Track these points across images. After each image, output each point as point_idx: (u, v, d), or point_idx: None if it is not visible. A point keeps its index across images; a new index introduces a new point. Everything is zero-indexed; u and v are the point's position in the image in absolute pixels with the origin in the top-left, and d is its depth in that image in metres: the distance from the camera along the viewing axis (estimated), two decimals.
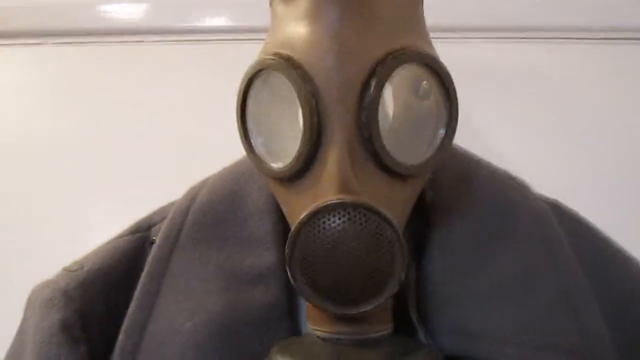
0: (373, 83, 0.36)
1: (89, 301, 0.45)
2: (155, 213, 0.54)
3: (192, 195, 0.52)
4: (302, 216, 0.34)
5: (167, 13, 0.79)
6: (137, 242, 0.50)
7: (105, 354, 0.44)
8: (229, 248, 0.48)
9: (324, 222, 0.34)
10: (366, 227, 0.34)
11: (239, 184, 0.52)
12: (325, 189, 0.36)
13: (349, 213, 0.34)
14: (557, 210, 0.52)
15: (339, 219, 0.34)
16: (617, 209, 0.63)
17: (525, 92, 0.64)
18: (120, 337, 0.43)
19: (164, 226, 0.49)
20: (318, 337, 0.38)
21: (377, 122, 0.36)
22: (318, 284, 0.34)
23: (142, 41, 0.80)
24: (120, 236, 0.51)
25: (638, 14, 0.61)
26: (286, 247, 0.34)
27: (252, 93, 0.40)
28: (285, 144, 0.40)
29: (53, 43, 0.80)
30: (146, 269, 0.47)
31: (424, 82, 0.42)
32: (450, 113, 0.40)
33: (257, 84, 0.40)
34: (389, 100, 0.46)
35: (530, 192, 0.52)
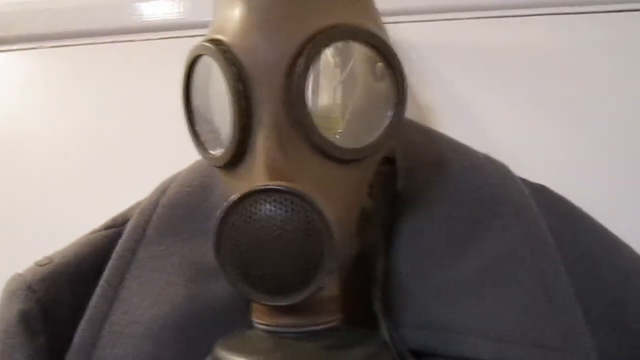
0: (301, 61, 0.34)
1: (53, 294, 0.45)
2: (131, 208, 0.54)
3: (163, 188, 0.52)
4: (227, 204, 0.33)
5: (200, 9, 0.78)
6: (111, 237, 0.50)
7: (69, 347, 0.44)
8: (195, 240, 0.47)
9: (248, 210, 0.32)
10: (293, 215, 0.32)
11: (207, 176, 0.51)
12: (256, 175, 0.35)
13: (274, 199, 0.32)
14: (543, 196, 0.49)
15: (264, 205, 0.32)
16: (613, 191, 0.58)
17: (517, 70, 0.60)
18: (80, 327, 0.44)
19: (131, 220, 0.50)
20: (262, 330, 0.37)
21: (305, 102, 0.34)
22: (247, 273, 0.33)
23: (178, 37, 0.79)
24: (95, 231, 0.52)
25: None
26: (213, 234, 0.33)
27: (194, 80, 0.40)
28: (223, 130, 0.39)
29: (82, 44, 0.81)
30: (110, 262, 0.47)
31: (379, 62, 0.40)
32: (397, 94, 0.38)
33: (198, 71, 0.39)
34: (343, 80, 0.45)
35: (510, 177, 0.48)
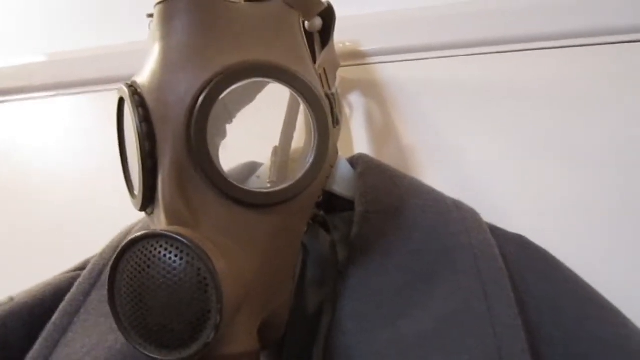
0: (200, 100, 0.33)
1: (2, 334, 0.45)
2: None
3: (128, 230, 0.52)
4: (119, 249, 0.31)
5: None
6: (75, 278, 0.50)
7: None
8: None
9: (139, 256, 0.30)
10: (181, 263, 0.30)
11: None
12: (161, 220, 0.33)
13: (161, 246, 0.30)
14: (518, 247, 0.43)
15: (153, 252, 0.30)
16: (610, 245, 0.51)
17: (505, 110, 0.55)
18: None
19: (91, 262, 0.49)
20: None
21: (205, 142, 0.33)
22: (138, 323, 0.31)
23: None
24: (65, 272, 0.52)
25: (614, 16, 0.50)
26: (107, 280, 0.32)
27: (125, 123, 0.40)
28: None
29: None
30: (62, 304, 0.47)
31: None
32: (317, 136, 0.35)
33: (125, 113, 0.39)
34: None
35: (477, 226, 0.44)
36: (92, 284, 0.47)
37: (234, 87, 0.34)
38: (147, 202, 0.35)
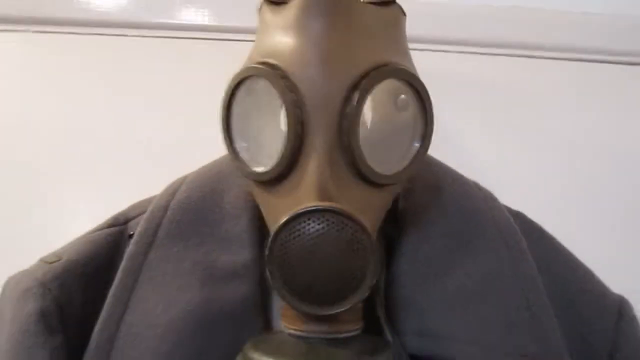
0: (356, 95, 0.38)
1: (66, 292, 0.45)
2: (132, 207, 0.55)
3: (171, 191, 0.53)
4: (283, 219, 0.36)
5: (148, 7, 0.79)
6: (115, 236, 0.51)
7: (81, 346, 0.44)
8: (206, 245, 0.49)
9: (302, 227, 0.35)
10: (342, 233, 0.35)
11: (218, 182, 0.53)
12: (304, 194, 0.38)
13: (327, 219, 0.35)
14: (520, 221, 0.55)
15: (318, 224, 0.35)
16: (584, 222, 0.67)
17: (504, 106, 0.68)
18: (97, 328, 0.44)
19: (142, 221, 0.50)
20: (290, 334, 0.40)
21: (357, 132, 0.38)
22: (294, 284, 0.36)
23: (123, 35, 0.80)
24: (97, 229, 0.52)
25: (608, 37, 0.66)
26: (267, 247, 0.36)
27: (238, 99, 0.42)
28: (267, 149, 0.41)
29: (33, 31, 0.79)
30: (123, 263, 0.47)
31: (402, 95, 0.44)
32: (426, 126, 0.42)
33: (242, 90, 0.42)
34: (368, 111, 0.49)
35: (495, 202, 0.54)
36: (149, 243, 0.49)
37: (380, 84, 0.39)
38: (281, 177, 0.39)
